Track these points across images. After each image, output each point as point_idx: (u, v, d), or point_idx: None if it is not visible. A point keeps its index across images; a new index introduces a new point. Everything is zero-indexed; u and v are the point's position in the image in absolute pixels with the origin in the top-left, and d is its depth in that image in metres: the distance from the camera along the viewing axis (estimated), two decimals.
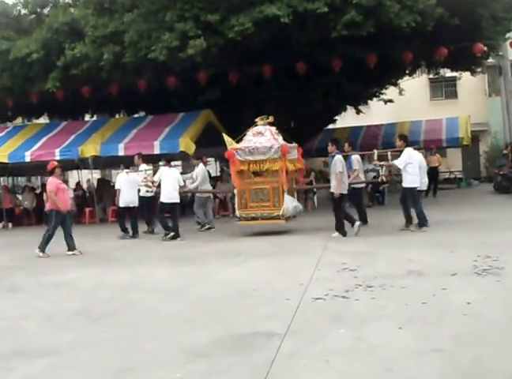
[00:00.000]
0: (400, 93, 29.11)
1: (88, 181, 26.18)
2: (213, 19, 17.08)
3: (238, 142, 15.35)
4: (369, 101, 30.44)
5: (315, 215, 19.11)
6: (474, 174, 34.13)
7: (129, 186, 16.15)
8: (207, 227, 16.55)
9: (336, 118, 29.36)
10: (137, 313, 7.24)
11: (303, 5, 16.47)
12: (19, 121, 29.97)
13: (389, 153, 15.46)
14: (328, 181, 25.70)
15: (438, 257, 9.84)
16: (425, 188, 15.44)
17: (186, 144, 19.20)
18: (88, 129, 22.59)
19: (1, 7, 23.00)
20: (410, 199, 13.93)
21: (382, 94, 28.81)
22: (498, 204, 19.87)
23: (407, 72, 25.84)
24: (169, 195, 15.03)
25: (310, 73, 20.25)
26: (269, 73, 19.79)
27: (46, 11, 23.28)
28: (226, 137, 15.59)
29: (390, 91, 29.11)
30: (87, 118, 28.88)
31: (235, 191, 15.07)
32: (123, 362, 5.38)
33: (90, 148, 20.49)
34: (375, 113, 32.96)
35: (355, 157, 15.59)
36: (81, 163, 22.13)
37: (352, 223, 13.57)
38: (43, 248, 12.94)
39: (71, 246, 13.08)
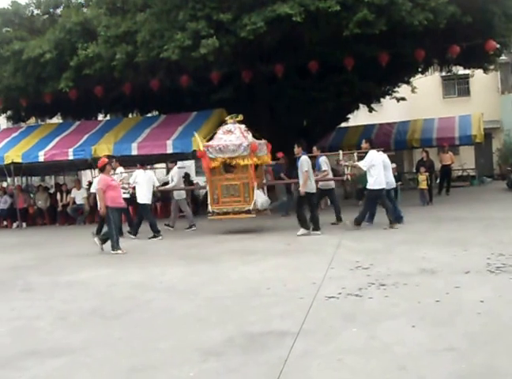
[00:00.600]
0: (413, 91, 28.99)
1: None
2: (225, 18, 17.07)
3: (209, 140, 15.85)
4: (381, 99, 30.33)
5: (328, 213, 19.06)
6: (487, 171, 33.99)
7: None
8: (190, 226, 17.10)
9: (349, 116, 29.27)
10: (150, 312, 7.24)
11: (315, 4, 16.43)
12: (32, 121, 30.08)
13: (355, 154, 15.76)
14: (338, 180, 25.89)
15: (451, 254, 9.80)
16: (392, 187, 15.65)
17: (200, 144, 19.19)
18: (101, 128, 22.67)
19: (15, 8, 23.05)
20: (381, 201, 14.55)
21: (394, 92, 28.70)
22: (511, 201, 19.77)
23: (419, 70, 25.73)
24: (144, 196, 15.73)
25: (323, 71, 20.23)
26: (281, 71, 19.78)
27: (58, 11, 23.36)
28: (196, 136, 16.31)
29: (403, 89, 29.00)
30: (100, 117, 28.94)
31: (208, 187, 15.74)
32: (136, 361, 5.39)
33: (103, 148, 20.54)
34: (388, 111, 32.90)
35: (323, 159, 16.37)
36: (95, 163, 22.16)
37: (304, 227, 13.96)
38: (115, 246, 12.80)
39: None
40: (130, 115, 28.31)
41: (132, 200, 16.39)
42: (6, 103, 24.05)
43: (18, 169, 22.27)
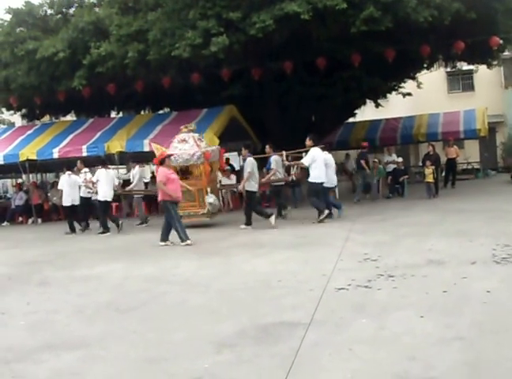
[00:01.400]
0: (419, 86, 28.92)
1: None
2: (235, 16, 17.07)
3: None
4: (388, 95, 30.27)
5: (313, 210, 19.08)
6: (491, 164, 33.89)
7: (71, 187, 17.59)
8: (141, 223, 18.29)
9: (356, 111, 29.23)
10: (164, 305, 7.27)
11: (322, 2, 16.41)
12: (46, 118, 30.12)
13: (304, 154, 15.95)
14: (347, 173, 25.98)
15: (457, 246, 9.80)
16: (333, 185, 16.27)
17: (210, 139, 19.19)
18: (113, 125, 22.68)
19: (28, 8, 23.06)
20: (313, 193, 14.88)
21: (400, 87, 28.64)
22: None
23: (424, 65, 25.68)
24: (105, 194, 16.57)
25: (330, 68, 20.20)
26: (290, 68, 19.77)
27: (71, 11, 23.36)
28: (154, 145, 16.79)
29: (408, 85, 28.95)
30: (113, 114, 28.99)
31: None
32: (151, 353, 5.40)
33: (116, 144, 20.58)
34: (394, 106, 32.82)
35: (274, 158, 16.88)
36: (108, 159, 22.21)
37: (268, 216, 14.74)
38: (184, 237, 12.65)
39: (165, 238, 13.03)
40: (142, 112, 28.36)
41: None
42: (21, 101, 24.07)
43: (33, 166, 22.35)
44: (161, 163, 13.37)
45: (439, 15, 17.10)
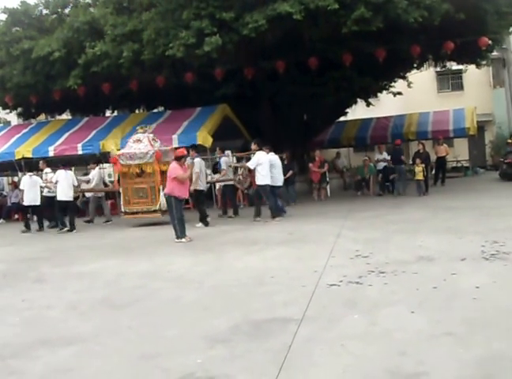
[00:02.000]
0: (409, 86, 28.93)
1: (110, 175, 26.43)
2: (228, 17, 17.03)
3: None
4: (379, 94, 30.31)
5: (327, 204, 19.10)
6: (480, 162, 34.05)
7: (30, 187, 17.69)
8: (106, 221, 18.80)
9: (348, 110, 29.27)
10: (158, 301, 7.24)
11: (314, 3, 16.39)
12: (42, 117, 30.06)
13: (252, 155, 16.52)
14: (338, 171, 26.01)
15: (447, 242, 9.79)
16: (281, 184, 16.41)
17: (204, 138, 19.21)
18: (108, 124, 22.65)
19: (24, 8, 22.98)
20: (263, 194, 15.57)
21: (391, 87, 28.66)
22: (503, 191, 19.80)
23: (415, 65, 25.66)
24: (64, 193, 16.89)
25: (322, 67, 20.20)
26: (282, 68, 19.76)
27: (67, 11, 23.31)
28: (111, 148, 18.00)
29: (399, 84, 28.98)
30: (108, 113, 28.90)
31: (121, 190, 17.23)
32: (145, 348, 5.38)
33: (111, 143, 20.49)
34: (385, 105, 32.82)
35: (224, 159, 18.34)
36: (103, 157, 22.17)
37: (204, 217, 15.48)
38: (180, 235, 12.60)
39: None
40: (137, 111, 28.30)
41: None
42: (17, 100, 23.98)
43: (29, 164, 22.26)
44: (178, 159, 13.27)
45: (429, 16, 17.10)
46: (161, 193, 15.97)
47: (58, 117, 29.51)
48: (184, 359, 4.99)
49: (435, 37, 19.23)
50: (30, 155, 21.37)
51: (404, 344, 4.90)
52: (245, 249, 10.81)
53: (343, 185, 25.83)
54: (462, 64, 27.09)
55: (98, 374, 4.86)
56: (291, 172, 19.84)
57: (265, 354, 4.96)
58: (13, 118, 37.50)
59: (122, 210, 17.10)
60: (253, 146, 16.34)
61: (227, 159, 18.45)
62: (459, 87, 38.26)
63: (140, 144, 16.79)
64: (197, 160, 16.02)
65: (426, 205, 16.26)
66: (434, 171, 24.43)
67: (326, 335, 5.30)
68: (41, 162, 18.95)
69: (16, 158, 21.40)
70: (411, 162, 21.91)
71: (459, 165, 32.02)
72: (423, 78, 32.10)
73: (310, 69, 20.15)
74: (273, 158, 16.06)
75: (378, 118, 30.89)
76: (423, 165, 19.88)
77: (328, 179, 22.06)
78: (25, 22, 22.94)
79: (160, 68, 19.58)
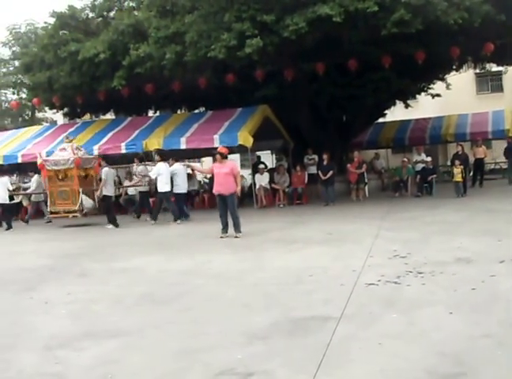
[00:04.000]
0: (448, 88, 28.64)
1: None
2: (269, 19, 17.03)
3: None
4: (417, 95, 30.05)
5: (365, 205, 19.00)
6: None
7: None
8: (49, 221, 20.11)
9: (386, 112, 29.07)
10: (199, 297, 7.28)
11: (354, 5, 16.31)
12: (87, 117, 30.39)
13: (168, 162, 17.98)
14: (376, 172, 25.84)
15: (485, 244, 9.67)
16: (184, 191, 18.08)
17: (245, 138, 19.25)
18: (151, 124, 22.79)
19: (71, 11, 23.25)
20: (164, 200, 17.27)
21: (429, 88, 28.40)
22: None
23: (454, 67, 25.40)
24: (1, 197, 18.71)
25: (361, 69, 20.09)
26: (322, 69, 19.69)
27: (112, 14, 23.56)
28: (39, 156, 19.71)
29: (438, 86, 28.71)
30: (150, 113, 29.11)
31: (48, 192, 18.81)
32: (186, 343, 5.42)
33: (154, 142, 20.68)
34: (423, 107, 32.54)
35: (141, 168, 19.68)
36: (145, 156, 22.36)
37: (111, 221, 17.24)
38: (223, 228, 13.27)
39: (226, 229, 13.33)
40: (179, 111, 28.47)
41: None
42: (63, 100, 24.33)
43: None
44: (226, 157, 13.57)
45: (469, 17, 16.88)
46: (81, 195, 18.03)
47: (102, 117, 29.84)
48: (224, 355, 5.02)
49: (475, 38, 18.95)
50: None
51: (442, 345, 4.86)
52: (284, 248, 10.81)
53: (381, 186, 25.66)
54: (502, 65, 26.75)
55: (141, 366, 4.91)
56: (330, 173, 19.82)
57: (303, 351, 4.96)
58: (59, 117, 38.07)
59: (48, 210, 19.08)
60: (156, 157, 18.03)
61: (143, 168, 19.73)
62: (499, 88, 37.75)
63: (64, 152, 18.58)
64: (105, 169, 17.61)
65: (464, 207, 16.06)
66: (472, 173, 24.11)
67: (364, 334, 5.29)
68: None
69: None
70: (449, 163, 21.66)
71: (497, 167, 31.53)
72: (461, 80, 31.76)
73: (349, 71, 20.06)
74: (177, 168, 17.77)
75: (416, 120, 30.64)
76: (462, 166, 19.65)
77: (366, 180, 21.94)
78: (72, 25, 23.23)
79: (201, 69, 19.65)
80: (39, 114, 44.51)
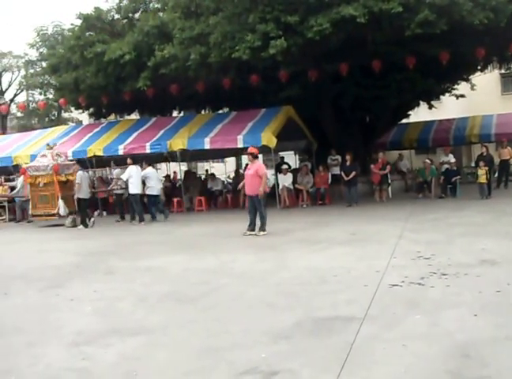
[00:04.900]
0: (472, 88, 28.40)
1: (175, 173, 26.80)
2: (293, 20, 17.01)
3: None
4: (441, 96, 29.82)
5: (388, 206, 18.92)
6: None
7: None
8: (29, 221, 20.66)
9: (410, 112, 28.90)
10: (222, 296, 7.30)
11: (378, 6, 16.24)
12: (112, 117, 30.61)
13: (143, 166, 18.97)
14: (399, 174, 25.68)
15: (510, 247, 9.60)
16: (157, 193, 18.79)
17: (268, 139, 19.24)
18: (176, 124, 22.87)
19: (97, 13, 23.42)
20: (133, 201, 18.15)
21: (453, 89, 28.18)
22: None
23: (479, 67, 25.18)
24: None
25: (385, 69, 19.98)
26: (345, 70, 19.61)
27: (137, 16, 23.68)
28: (21, 162, 21.51)
29: (462, 87, 28.47)
30: (175, 114, 29.24)
31: (30, 196, 19.85)
32: (210, 341, 5.44)
33: (178, 142, 20.77)
34: (447, 108, 32.29)
35: (117, 171, 20.21)
36: (170, 156, 22.47)
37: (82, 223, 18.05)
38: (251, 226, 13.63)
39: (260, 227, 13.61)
40: (203, 112, 28.54)
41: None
42: (89, 100, 24.54)
43: (99, 162, 22.69)
44: (256, 157, 14.31)
45: (495, 17, 16.71)
46: (59, 200, 18.92)
47: (127, 117, 30.03)
48: (248, 353, 5.03)
49: (500, 39, 18.76)
50: (101, 154, 21.85)
51: (466, 347, 4.83)
52: (308, 248, 10.81)
53: (404, 187, 25.52)
54: None
55: (165, 364, 4.94)
56: (353, 173, 19.75)
57: (327, 350, 4.96)
58: (84, 117, 38.39)
59: (31, 213, 20.02)
60: (128, 161, 18.87)
61: (119, 171, 20.12)
62: None
63: (45, 158, 19.59)
64: (79, 173, 18.32)
65: (489, 209, 15.94)
66: (497, 174, 23.90)
67: (388, 335, 5.27)
68: None
69: (88, 156, 21.87)
70: (473, 165, 21.46)
71: None
72: (486, 80, 31.47)
73: (373, 72, 19.96)
74: (149, 171, 18.61)
75: (440, 121, 30.43)
76: (487, 168, 19.49)
77: (390, 181, 21.84)
78: (98, 27, 23.40)
79: (226, 70, 19.70)
80: (65, 114, 44.99)
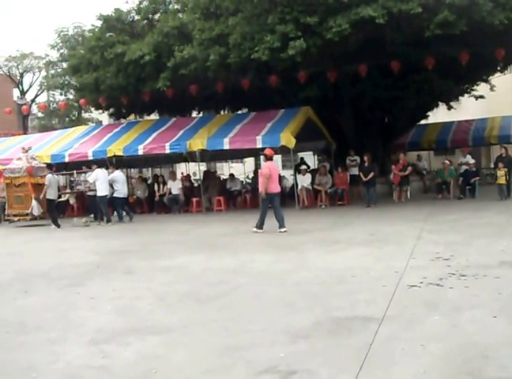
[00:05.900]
0: (492, 89, 28.21)
1: (194, 174, 26.85)
2: (312, 21, 17.00)
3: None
4: (460, 97, 29.64)
5: (407, 206, 18.84)
6: None
7: None
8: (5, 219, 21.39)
9: (429, 113, 28.75)
10: (242, 296, 7.30)
11: (397, 6, 16.20)
12: (132, 117, 30.75)
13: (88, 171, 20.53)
14: (418, 174, 25.53)
15: None
16: (124, 196, 19.57)
17: (287, 139, 19.22)
18: (195, 124, 22.91)
19: (117, 14, 23.55)
20: (100, 203, 18.79)
21: (472, 90, 28.01)
22: None
23: (498, 68, 25.02)
24: None
25: (404, 70, 19.91)
26: (364, 71, 19.57)
27: (157, 17, 23.77)
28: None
29: (481, 88, 28.28)
30: (194, 114, 29.33)
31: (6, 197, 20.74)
32: (230, 341, 5.43)
33: (197, 142, 20.81)
34: (466, 109, 32.11)
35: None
36: (189, 156, 22.52)
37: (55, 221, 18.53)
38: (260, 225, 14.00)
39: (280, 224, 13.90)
40: (222, 112, 28.59)
41: None
42: (109, 101, 24.66)
43: (119, 161, 22.81)
44: (271, 158, 14.42)
45: None
46: (33, 200, 19.73)
47: (146, 117, 30.15)
48: (267, 353, 5.02)
49: None
50: (121, 154, 21.93)
51: (485, 348, 4.79)
52: (326, 249, 10.80)
53: (423, 187, 25.41)
54: None
55: (184, 363, 4.95)
56: (371, 174, 19.69)
57: (346, 351, 4.94)
58: (104, 117, 38.60)
59: (7, 213, 20.88)
60: (93, 166, 19.80)
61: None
62: None
63: (20, 161, 20.55)
64: (49, 176, 18.88)
65: (508, 210, 15.84)
66: None
67: (407, 335, 5.24)
68: None
69: (108, 155, 21.95)
70: (492, 166, 21.30)
71: None
72: (506, 81, 31.22)
73: (391, 73, 19.91)
74: (116, 175, 19.47)
75: (459, 122, 30.25)
76: (506, 169, 19.36)
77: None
78: (118, 28, 23.54)
79: (245, 71, 19.74)
80: (85, 115, 45.25)
